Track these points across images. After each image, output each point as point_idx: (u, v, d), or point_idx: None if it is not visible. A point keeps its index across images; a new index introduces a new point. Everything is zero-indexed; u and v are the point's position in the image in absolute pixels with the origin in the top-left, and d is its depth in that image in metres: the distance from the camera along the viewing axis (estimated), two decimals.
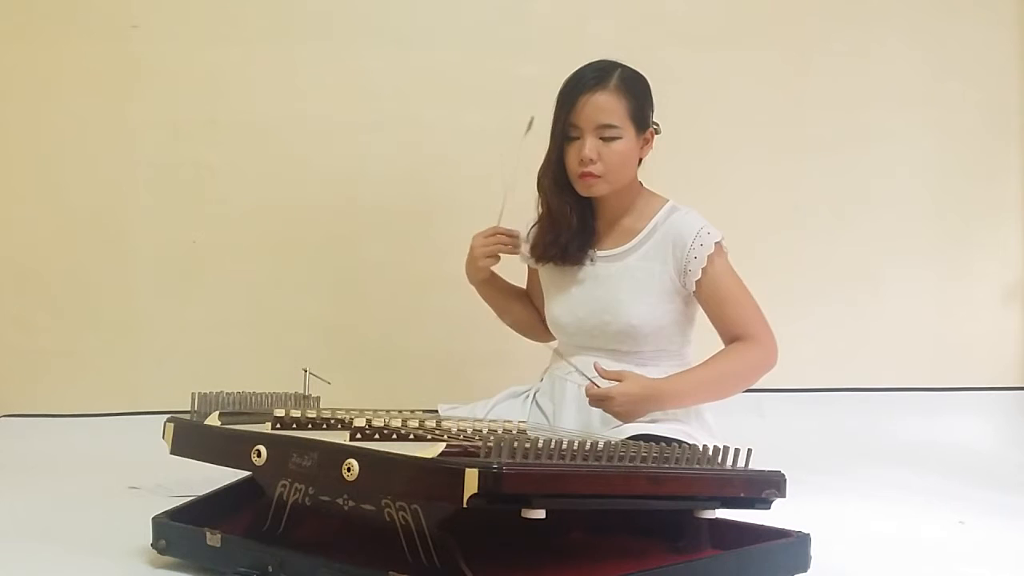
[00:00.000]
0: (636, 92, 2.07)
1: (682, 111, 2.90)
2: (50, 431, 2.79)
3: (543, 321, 2.26)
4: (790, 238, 3.10)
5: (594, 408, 1.99)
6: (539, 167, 2.14)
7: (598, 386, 1.95)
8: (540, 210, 2.17)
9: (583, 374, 2.01)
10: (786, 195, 3.10)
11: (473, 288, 2.28)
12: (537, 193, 2.16)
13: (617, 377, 1.96)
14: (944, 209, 3.18)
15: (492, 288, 2.29)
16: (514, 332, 2.35)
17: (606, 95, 2.04)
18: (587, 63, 2.09)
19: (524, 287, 2.34)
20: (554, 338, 2.24)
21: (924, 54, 3.16)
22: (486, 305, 2.32)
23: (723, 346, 2.08)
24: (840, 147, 3.13)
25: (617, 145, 2.05)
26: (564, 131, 2.07)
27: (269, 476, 1.61)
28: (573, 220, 2.12)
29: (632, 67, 2.10)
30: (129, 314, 2.90)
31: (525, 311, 2.32)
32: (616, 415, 1.95)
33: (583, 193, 2.10)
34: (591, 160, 2.04)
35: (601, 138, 2.04)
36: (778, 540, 1.68)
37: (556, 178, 2.11)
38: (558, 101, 2.08)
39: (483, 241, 2.21)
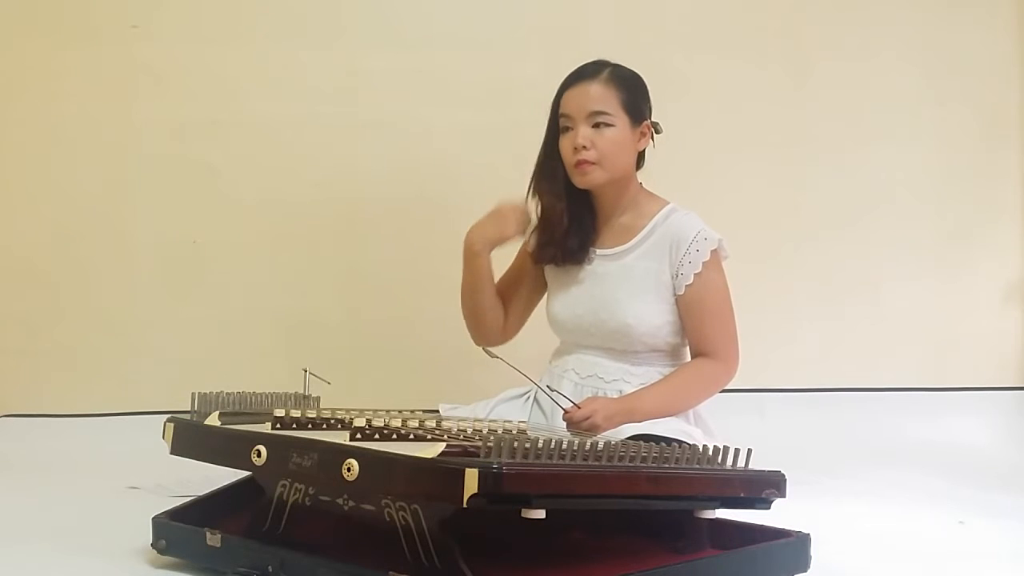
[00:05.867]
0: (629, 86, 2.09)
1: (683, 114, 2.90)
2: (50, 431, 2.79)
3: (501, 322, 2.23)
4: (791, 239, 3.11)
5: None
6: (532, 170, 2.15)
7: (578, 406, 1.94)
8: (537, 213, 2.18)
9: (564, 396, 2.00)
10: (787, 196, 3.11)
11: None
12: (534, 196, 2.16)
13: (579, 406, 1.95)
14: (944, 210, 3.18)
15: (485, 264, 2.18)
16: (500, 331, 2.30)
17: (597, 84, 2.07)
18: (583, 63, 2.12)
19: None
20: (493, 342, 2.20)
21: (923, 58, 3.17)
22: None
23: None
24: (841, 149, 3.13)
25: (610, 132, 2.06)
26: (558, 124, 2.08)
27: (269, 476, 1.61)
28: (565, 220, 2.12)
29: (628, 67, 2.12)
30: (129, 314, 2.90)
31: (494, 301, 2.22)
32: (594, 430, 1.93)
33: (580, 183, 2.10)
34: (584, 147, 2.04)
35: (594, 126, 2.05)
36: (778, 540, 1.68)
37: (551, 178, 2.12)
38: (553, 101, 2.11)
39: (518, 208, 2.14)
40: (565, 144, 2.08)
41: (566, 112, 2.08)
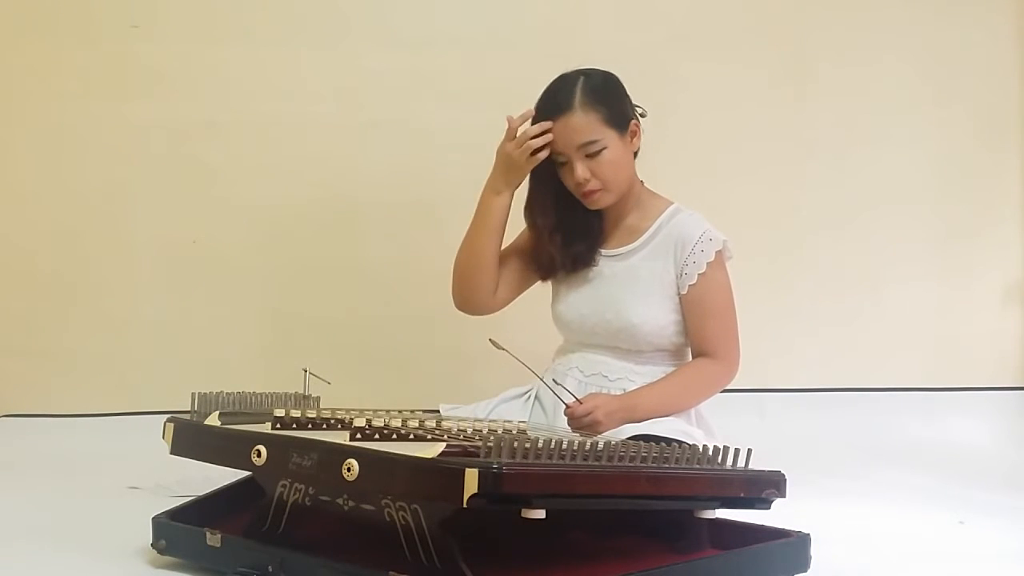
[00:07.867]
0: (605, 98, 2.06)
1: (684, 114, 2.92)
2: (50, 431, 2.79)
3: (493, 287, 2.18)
4: (791, 239, 3.11)
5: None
6: (524, 200, 2.15)
7: (580, 401, 1.93)
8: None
9: (566, 390, 2.00)
10: (788, 196, 3.11)
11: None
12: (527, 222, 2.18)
13: (581, 401, 1.95)
14: (944, 210, 3.18)
15: (504, 210, 2.14)
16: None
17: (576, 115, 2.03)
18: (548, 85, 2.08)
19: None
20: (478, 307, 2.20)
21: (923, 58, 3.16)
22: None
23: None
24: (841, 149, 3.13)
25: (605, 155, 2.04)
26: (552, 160, 2.08)
27: (269, 476, 1.61)
28: (559, 240, 2.12)
29: (595, 69, 2.09)
30: (129, 314, 2.90)
31: (496, 257, 2.16)
32: (595, 426, 1.93)
33: (593, 208, 2.11)
34: (586, 180, 2.04)
35: (587, 155, 2.04)
36: (778, 540, 1.68)
37: (541, 204, 2.13)
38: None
39: (523, 138, 2.05)
40: (566, 178, 2.08)
41: (555, 150, 2.06)
